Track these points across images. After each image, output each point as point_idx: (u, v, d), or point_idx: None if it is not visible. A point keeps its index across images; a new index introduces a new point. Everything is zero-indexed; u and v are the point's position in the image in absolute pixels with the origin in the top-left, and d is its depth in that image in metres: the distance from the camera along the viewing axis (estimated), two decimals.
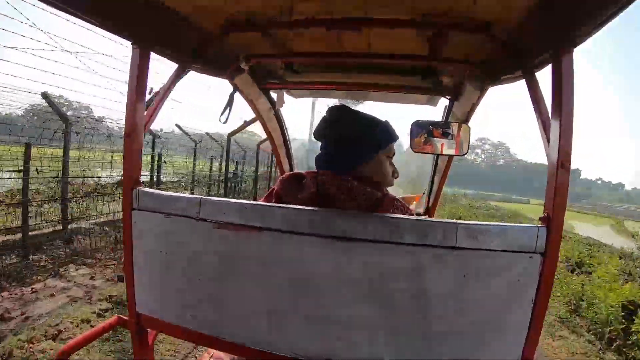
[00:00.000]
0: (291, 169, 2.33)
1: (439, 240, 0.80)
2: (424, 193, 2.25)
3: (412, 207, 1.92)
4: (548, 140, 0.88)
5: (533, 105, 0.98)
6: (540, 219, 0.85)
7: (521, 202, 53.47)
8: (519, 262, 0.80)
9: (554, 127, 0.85)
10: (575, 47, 0.83)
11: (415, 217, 0.88)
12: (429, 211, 2.23)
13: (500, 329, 0.83)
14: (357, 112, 1.08)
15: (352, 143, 1.03)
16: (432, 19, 1.05)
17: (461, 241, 0.79)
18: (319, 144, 1.11)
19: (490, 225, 0.81)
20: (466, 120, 1.70)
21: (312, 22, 1.12)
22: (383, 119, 1.09)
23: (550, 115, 0.88)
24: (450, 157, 1.89)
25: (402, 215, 0.87)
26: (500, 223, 0.84)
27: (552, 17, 0.87)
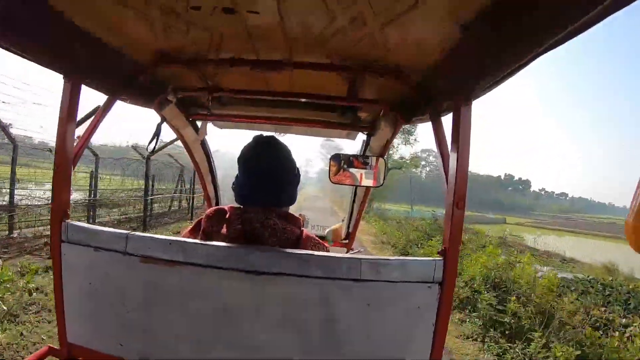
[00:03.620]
0: (216, 195, 2.36)
1: (344, 273, 0.89)
2: (342, 220, 2.37)
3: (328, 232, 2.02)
4: (447, 182, 0.99)
5: (437, 147, 1.10)
6: (438, 252, 0.96)
7: (497, 222, 44.32)
8: (419, 292, 0.91)
9: (452, 170, 0.96)
10: (472, 100, 0.94)
11: (324, 253, 0.95)
12: (349, 236, 2.36)
13: (404, 353, 0.93)
14: (288, 151, 1.09)
15: (286, 183, 1.06)
16: (350, 62, 1.14)
17: (365, 274, 0.89)
18: None
19: (391, 259, 0.91)
20: (382, 154, 1.83)
21: (238, 61, 1.18)
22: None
23: (449, 160, 0.99)
24: (368, 188, 2.02)
25: (312, 252, 0.94)
26: (401, 257, 0.95)
27: (454, 71, 0.99)
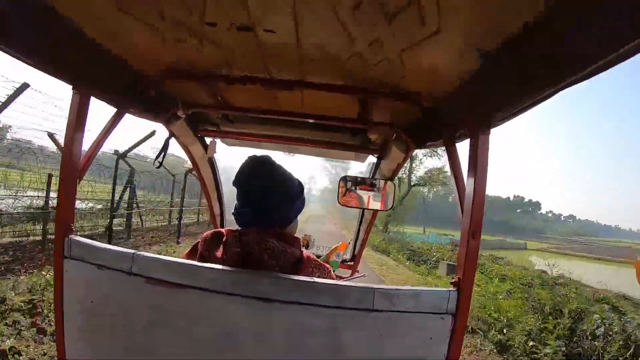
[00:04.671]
0: (221, 213, 2.32)
1: (356, 303, 0.86)
2: (349, 242, 2.32)
3: (338, 255, 1.95)
4: (462, 210, 0.96)
5: (452, 173, 1.08)
6: (451, 283, 0.93)
7: (518, 247, 41.21)
8: (432, 323, 0.88)
9: (468, 199, 0.93)
10: (490, 129, 0.92)
11: (334, 281, 0.93)
12: (354, 258, 2.30)
13: None
14: (283, 169, 1.06)
15: (279, 201, 1.03)
16: (364, 85, 1.13)
17: (378, 304, 0.86)
18: None
19: (405, 289, 0.88)
20: (391, 177, 1.79)
21: (249, 79, 1.17)
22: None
23: (465, 187, 0.96)
24: (375, 212, 1.97)
25: (320, 280, 0.91)
26: (415, 287, 0.91)
27: (472, 98, 0.97)
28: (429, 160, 20.80)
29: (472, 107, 0.99)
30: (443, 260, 11.24)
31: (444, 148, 1.14)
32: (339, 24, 0.76)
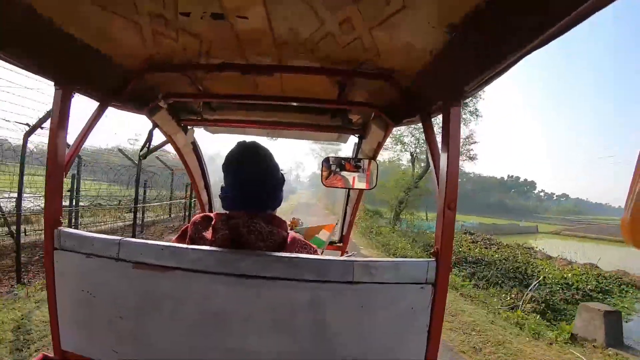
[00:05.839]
0: (210, 201, 2.35)
1: (336, 276, 0.89)
2: (336, 223, 2.37)
3: (325, 236, 2.00)
4: (438, 183, 0.99)
5: (428, 149, 1.11)
6: (430, 253, 0.96)
7: (529, 231, 37.16)
8: (412, 293, 0.91)
9: (442, 171, 0.97)
10: (462, 100, 0.95)
11: (315, 256, 0.96)
12: (342, 239, 2.35)
13: (399, 355, 0.92)
14: (271, 155, 1.10)
15: (269, 187, 1.07)
16: (340, 66, 1.15)
17: (358, 276, 0.89)
18: None
19: (384, 260, 0.91)
20: (374, 156, 1.82)
21: (228, 66, 1.19)
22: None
23: (439, 159, 0.99)
24: (361, 190, 2.01)
25: (304, 255, 0.94)
26: (394, 259, 0.94)
27: (443, 73, 1.00)
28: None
29: (444, 81, 1.01)
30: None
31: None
32: (307, 6, 0.78)
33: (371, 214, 19.30)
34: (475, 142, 16.63)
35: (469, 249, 11.29)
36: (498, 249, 12.02)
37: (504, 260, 9.84)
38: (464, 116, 14.20)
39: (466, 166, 18.15)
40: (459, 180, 1.01)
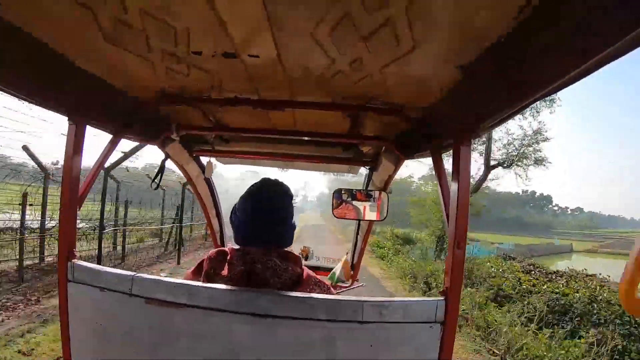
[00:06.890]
0: (221, 229, 2.36)
1: (347, 315, 0.89)
2: (346, 259, 2.33)
3: (339, 271, 1.98)
4: (447, 221, 0.98)
5: (438, 183, 1.10)
6: (439, 292, 0.96)
7: (563, 250, 34.77)
8: (421, 332, 0.91)
9: (452, 209, 0.96)
10: (472, 139, 0.95)
11: (327, 296, 0.95)
12: (353, 268, 2.32)
13: None
14: (292, 195, 1.12)
15: (285, 224, 1.08)
16: (351, 101, 1.16)
17: (368, 316, 0.89)
18: None
19: (393, 300, 0.91)
20: (384, 188, 1.82)
21: (240, 101, 1.21)
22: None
23: (449, 197, 0.99)
24: (371, 222, 1.99)
25: (317, 295, 0.94)
26: (403, 298, 0.93)
27: (455, 110, 1.00)
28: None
29: (456, 118, 1.01)
30: None
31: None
32: (317, 46, 0.79)
33: (400, 242, 15.83)
34: (547, 138, 12.70)
35: (533, 284, 7.55)
36: (550, 279, 8.17)
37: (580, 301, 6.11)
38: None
39: (530, 174, 13.40)
40: (471, 196, 0.99)
